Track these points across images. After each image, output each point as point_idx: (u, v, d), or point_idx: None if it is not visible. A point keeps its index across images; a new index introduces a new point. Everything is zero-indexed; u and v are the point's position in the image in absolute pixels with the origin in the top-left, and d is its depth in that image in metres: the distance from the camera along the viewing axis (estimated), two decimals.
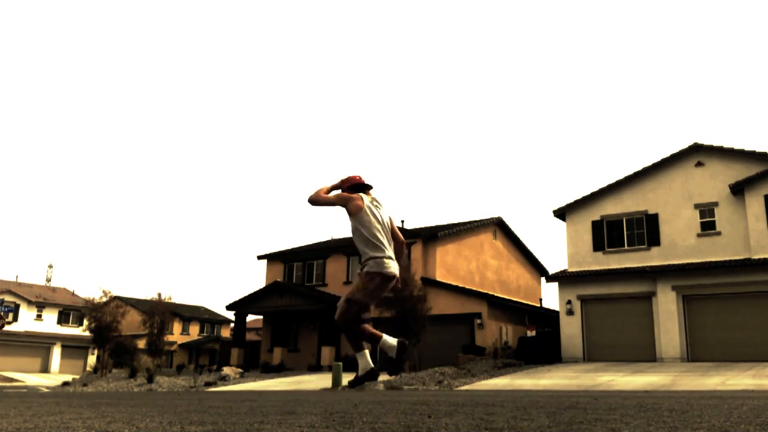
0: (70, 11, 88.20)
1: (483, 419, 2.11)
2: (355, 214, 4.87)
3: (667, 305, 22.19)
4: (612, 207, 25.00)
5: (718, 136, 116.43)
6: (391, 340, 4.81)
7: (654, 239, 23.80)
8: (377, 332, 4.93)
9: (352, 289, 4.99)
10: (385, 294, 5.08)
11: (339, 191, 5.03)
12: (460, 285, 28.51)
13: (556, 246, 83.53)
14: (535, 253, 36.59)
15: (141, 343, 38.94)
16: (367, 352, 4.84)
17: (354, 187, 5.06)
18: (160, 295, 34.80)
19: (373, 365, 4.84)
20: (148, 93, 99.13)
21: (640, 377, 16.17)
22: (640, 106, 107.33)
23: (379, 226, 4.90)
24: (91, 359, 47.76)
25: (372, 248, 4.86)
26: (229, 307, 31.77)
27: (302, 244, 35.45)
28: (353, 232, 4.93)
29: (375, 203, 5.00)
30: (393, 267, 4.92)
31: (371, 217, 4.91)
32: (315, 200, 4.98)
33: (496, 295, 29.14)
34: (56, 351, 49.61)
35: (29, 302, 49.73)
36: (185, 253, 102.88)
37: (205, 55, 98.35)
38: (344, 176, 5.16)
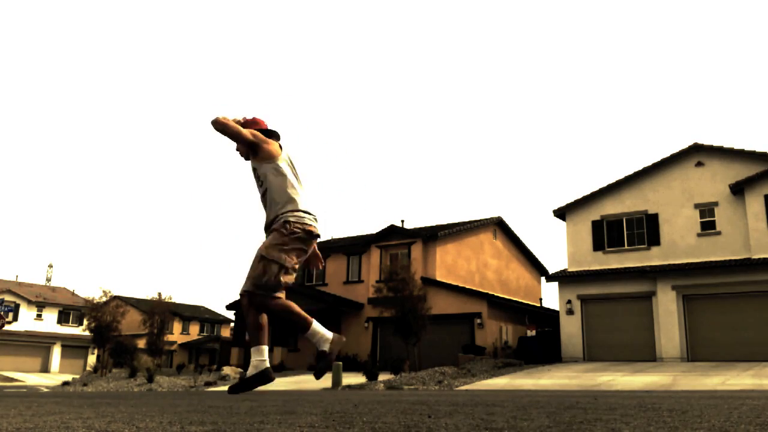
0: (70, 12, 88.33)
1: (483, 419, 2.11)
2: (269, 160, 3.90)
3: (667, 305, 22.20)
4: (612, 207, 25.01)
5: (718, 136, 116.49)
6: (326, 333, 3.82)
7: (654, 239, 23.82)
8: (305, 314, 3.82)
9: (267, 244, 3.79)
10: (299, 265, 3.98)
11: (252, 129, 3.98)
12: (460, 285, 28.52)
13: (556, 246, 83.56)
14: (535, 253, 36.63)
15: (141, 343, 39.00)
16: (266, 348, 3.83)
17: (260, 131, 4.05)
18: (160, 294, 34.91)
19: (268, 364, 3.80)
20: (148, 93, 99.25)
21: (640, 377, 16.17)
22: (640, 106, 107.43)
23: (298, 182, 3.97)
24: (91, 359, 47.81)
25: (292, 202, 3.84)
26: (229, 307, 31.79)
27: None
28: (263, 176, 3.89)
29: (291, 161, 4.04)
30: (317, 226, 3.94)
31: (291, 169, 3.98)
32: (223, 126, 3.77)
33: (496, 294, 29.14)
34: (56, 351, 49.65)
35: (29, 302, 49.78)
36: (185, 253, 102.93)
37: (204, 55, 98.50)
38: (249, 116, 4.08)
